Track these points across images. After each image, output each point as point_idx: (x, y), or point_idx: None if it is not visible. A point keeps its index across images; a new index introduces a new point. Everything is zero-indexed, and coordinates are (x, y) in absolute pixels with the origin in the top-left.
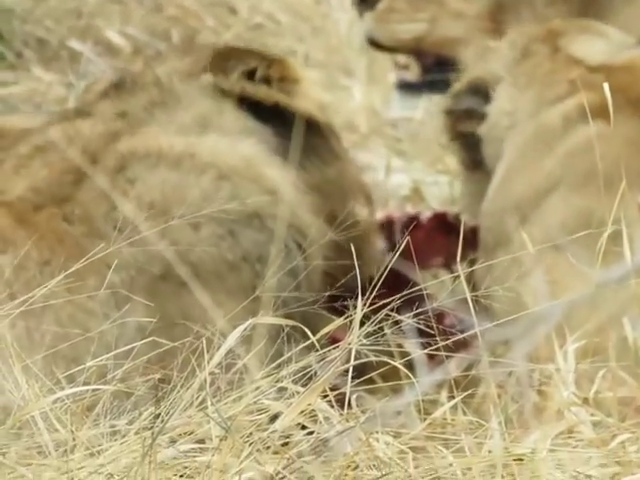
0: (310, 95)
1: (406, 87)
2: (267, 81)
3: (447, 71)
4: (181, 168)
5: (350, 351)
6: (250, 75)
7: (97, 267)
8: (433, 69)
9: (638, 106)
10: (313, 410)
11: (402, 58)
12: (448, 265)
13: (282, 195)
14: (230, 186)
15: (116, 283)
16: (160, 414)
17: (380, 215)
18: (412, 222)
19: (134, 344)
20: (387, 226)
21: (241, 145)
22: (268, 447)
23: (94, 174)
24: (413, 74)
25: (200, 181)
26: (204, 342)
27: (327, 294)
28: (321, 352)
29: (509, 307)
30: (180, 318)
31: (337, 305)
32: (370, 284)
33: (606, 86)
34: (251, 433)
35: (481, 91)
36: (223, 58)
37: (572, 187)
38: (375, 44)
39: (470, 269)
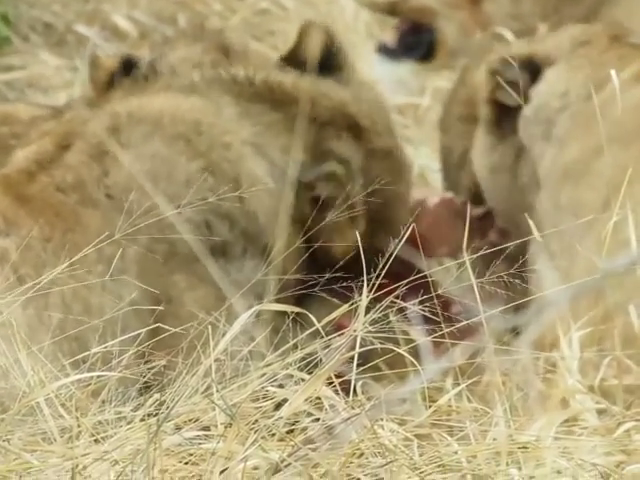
0: None
1: (385, 51)
2: None
3: (422, 36)
4: (174, 148)
5: (355, 338)
6: None
7: (93, 240)
8: (409, 35)
9: None
10: (318, 397)
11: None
12: (454, 254)
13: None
14: (213, 181)
15: (110, 255)
16: (165, 401)
17: None
18: (419, 206)
19: (139, 331)
20: None
21: (243, 156)
22: (273, 434)
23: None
24: (391, 39)
25: (189, 166)
26: (209, 329)
27: (326, 277)
28: (326, 339)
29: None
30: (161, 296)
31: (337, 287)
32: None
33: (614, 73)
34: (256, 420)
35: (534, 69)
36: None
37: (622, 145)
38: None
39: (476, 255)
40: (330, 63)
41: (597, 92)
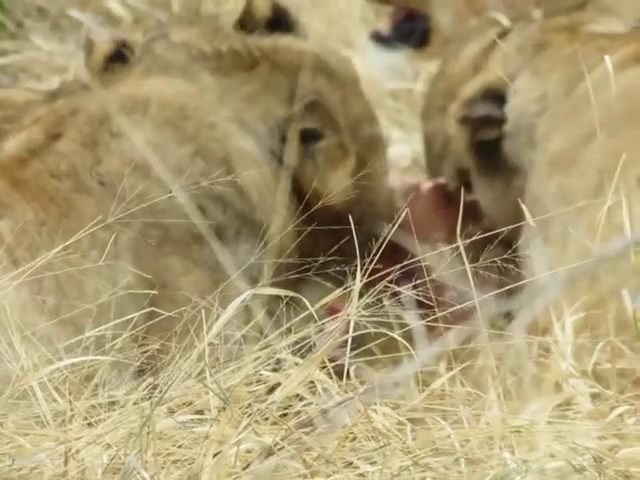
0: None
1: (379, 39)
2: None
3: (417, 24)
4: (164, 134)
5: (349, 322)
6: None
7: (87, 225)
8: (404, 23)
9: None
10: (312, 381)
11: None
12: (448, 239)
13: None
14: (203, 165)
15: (104, 240)
16: (158, 385)
17: None
18: (412, 191)
19: (133, 315)
20: None
21: (232, 135)
22: (267, 418)
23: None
24: (385, 27)
25: (179, 152)
26: (203, 313)
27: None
28: (320, 323)
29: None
30: (156, 281)
31: (331, 272)
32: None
33: (607, 58)
34: (250, 404)
35: (496, 96)
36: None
37: (610, 132)
38: None
39: (470, 240)
40: (281, 22)
41: (578, 86)
